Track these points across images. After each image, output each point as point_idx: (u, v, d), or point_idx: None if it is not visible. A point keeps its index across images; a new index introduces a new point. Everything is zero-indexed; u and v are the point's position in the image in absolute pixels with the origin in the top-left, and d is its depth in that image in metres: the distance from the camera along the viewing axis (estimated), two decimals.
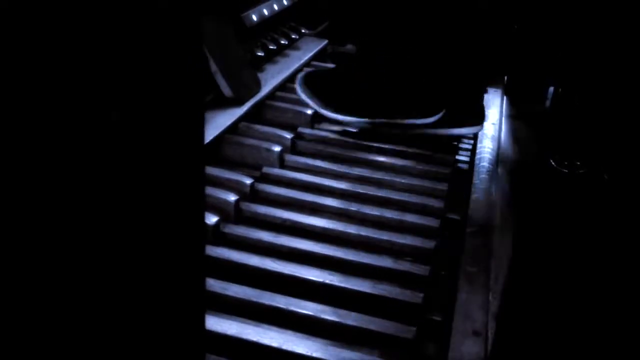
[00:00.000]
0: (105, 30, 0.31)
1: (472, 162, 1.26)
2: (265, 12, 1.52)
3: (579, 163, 1.20)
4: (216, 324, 0.77)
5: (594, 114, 1.35)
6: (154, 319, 0.41)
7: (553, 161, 1.20)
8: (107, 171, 0.33)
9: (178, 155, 0.38)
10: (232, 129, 1.23)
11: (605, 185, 1.14)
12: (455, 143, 1.33)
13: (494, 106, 1.50)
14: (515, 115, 1.59)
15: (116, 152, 0.33)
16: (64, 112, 0.30)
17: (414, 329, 0.79)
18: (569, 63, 1.46)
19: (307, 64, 1.60)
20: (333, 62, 1.67)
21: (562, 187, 1.19)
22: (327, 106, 1.30)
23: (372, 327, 0.79)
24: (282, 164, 1.18)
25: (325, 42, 1.74)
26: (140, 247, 0.37)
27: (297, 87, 1.33)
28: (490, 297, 0.85)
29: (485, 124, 1.39)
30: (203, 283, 0.45)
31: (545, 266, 0.94)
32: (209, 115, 1.23)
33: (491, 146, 1.30)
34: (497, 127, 1.40)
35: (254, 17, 1.47)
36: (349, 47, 1.76)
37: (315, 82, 1.33)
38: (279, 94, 1.42)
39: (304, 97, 1.32)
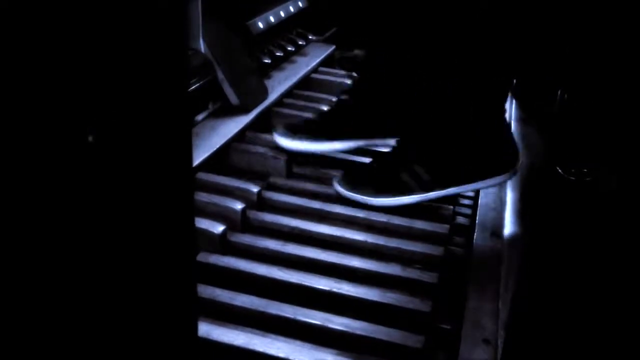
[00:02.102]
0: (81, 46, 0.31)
1: None
2: (272, 19, 1.52)
3: (586, 170, 1.18)
4: (223, 334, 0.77)
5: (603, 119, 1.33)
6: (144, 328, 0.40)
7: (559, 168, 1.18)
8: (86, 188, 0.33)
9: (163, 172, 0.37)
10: (239, 136, 1.23)
11: (614, 192, 1.13)
12: None
13: None
14: (525, 118, 1.58)
15: (95, 171, 0.32)
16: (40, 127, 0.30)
17: (423, 337, 0.78)
18: (576, 66, 1.45)
19: (314, 70, 1.60)
20: (342, 68, 1.66)
21: (568, 195, 1.18)
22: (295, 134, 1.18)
23: (380, 336, 0.79)
24: (289, 172, 1.18)
25: (333, 47, 1.74)
26: (126, 258, 0.37)
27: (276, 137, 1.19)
28: (500, 305, 0.84)
29: None
30: (194, 292, 0.45)
31: (555, 274, 0.93)
32: (215, 124, 1.23)
33: None
34: None
35: (261, 25, 1.46)
36: (357, 51, 1.76)
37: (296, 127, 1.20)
38: (285, 100, 1.42)
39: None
